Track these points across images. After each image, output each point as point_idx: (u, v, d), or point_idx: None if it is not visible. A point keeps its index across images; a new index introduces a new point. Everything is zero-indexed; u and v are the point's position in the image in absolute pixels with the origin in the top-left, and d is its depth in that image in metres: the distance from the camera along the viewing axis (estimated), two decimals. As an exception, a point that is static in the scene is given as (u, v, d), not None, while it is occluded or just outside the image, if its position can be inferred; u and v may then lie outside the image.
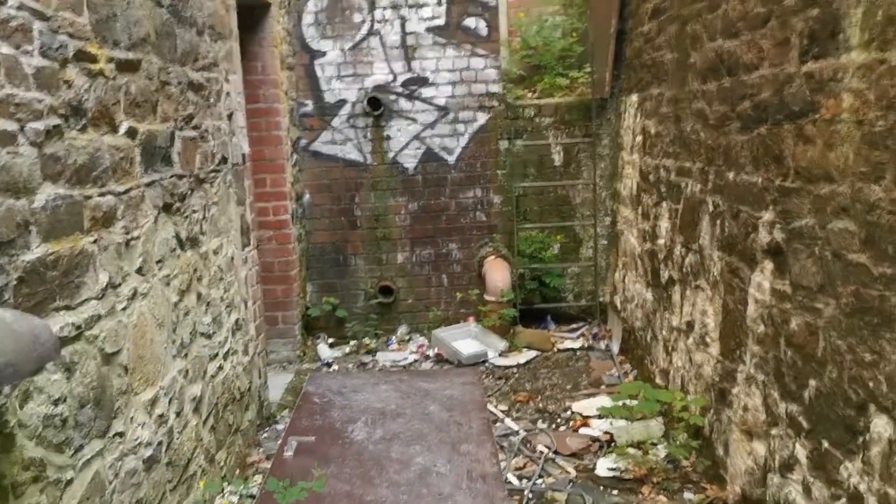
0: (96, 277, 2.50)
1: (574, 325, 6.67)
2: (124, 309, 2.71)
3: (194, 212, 3.57)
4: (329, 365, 6.14)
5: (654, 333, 5.20)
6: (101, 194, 2.55)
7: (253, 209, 4.91)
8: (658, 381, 4.99)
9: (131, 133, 2.82)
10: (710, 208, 3.99)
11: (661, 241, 5.03)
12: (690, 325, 4.30)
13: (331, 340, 6.80)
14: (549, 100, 6.76)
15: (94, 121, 2.51)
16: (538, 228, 6.76)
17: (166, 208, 3.19)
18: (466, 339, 6.33)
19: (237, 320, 4.32)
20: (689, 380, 4.30)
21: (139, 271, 2.86)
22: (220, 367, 3.95)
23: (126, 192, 2.76)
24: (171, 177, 3.27)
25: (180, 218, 3.37)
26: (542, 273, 6.70)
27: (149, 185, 2.99)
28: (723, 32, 3.84)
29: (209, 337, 3.76)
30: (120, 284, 2.69)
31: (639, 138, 5.70)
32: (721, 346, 3.84)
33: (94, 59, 2.51)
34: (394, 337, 6.74)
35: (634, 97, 5.91)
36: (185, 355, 3.40)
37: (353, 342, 6.62)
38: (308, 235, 6.82)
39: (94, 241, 2.50)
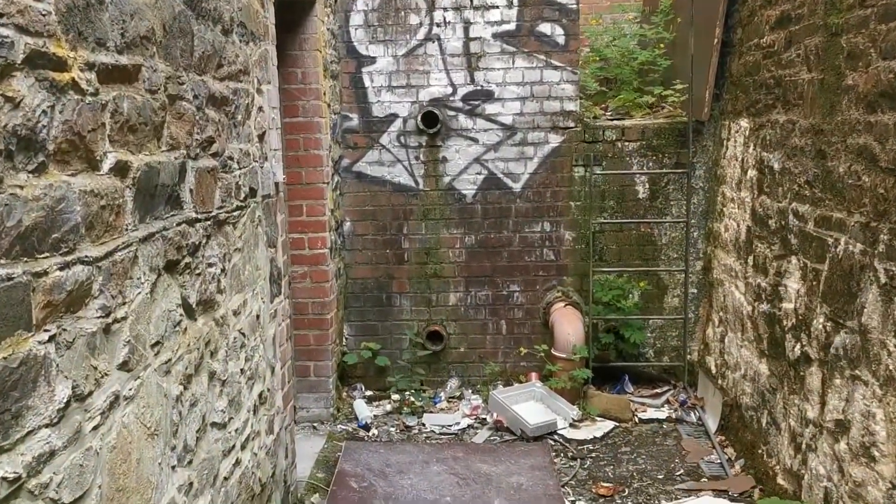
0: (51, 393, 1.70)
1: (657, 390, 5.76)
2: (97, 428, 1.91)
3: (210, 266, 2.77)
4: (367, 428, 5.31)
5: (772, 418, 4.28)
6: (64, 265, 1.75)
7: (286, 247, 4.12)
8: (782, 482, 4.06)
9: (120, 169, 2.02)
10: (883, 279, 3.08)
11: (787, 305, 4.12)
12: (842, 425, 3.38)
13: (369, 393, 5.98)
14: (635, 121, 5.88)
15: (58, 156, 1.72)
16: (617, 272, 5.88)
17: (170, 268, 2.39)
18: (530, 403, 5.46)
19: (261, 393, 3.51)
20: (841, 497, 3.38)
21: (124, 366, 2.06)
22: (237, 462, 3.13)
23: (107, 255, 1.96)
24: (180, 224, 2.47)
25: (190, 277, 2.57)
26: (620, 325, 5.81)
27: (145, 239, 2.19)
28: (913, 48, 2.95)
29: (223, 427, 2.95)
30: (91, 393, 1.89)
31: (752, 173, 4.80)
32: (900, 466, 2.93)
33: (61, 66, 1.71)
34: (442, 393, 5.90)
35: (744, 123, 5.01)
36: (190, 462, 2.59)
37: (395, 396, 5.78)
38: (347, 269, 6.02)
39: (50, 339, 1.70)
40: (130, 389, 2.11)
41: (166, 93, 2.32)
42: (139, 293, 2.16)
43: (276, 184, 3.82)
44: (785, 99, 4.30)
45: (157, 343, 2.29)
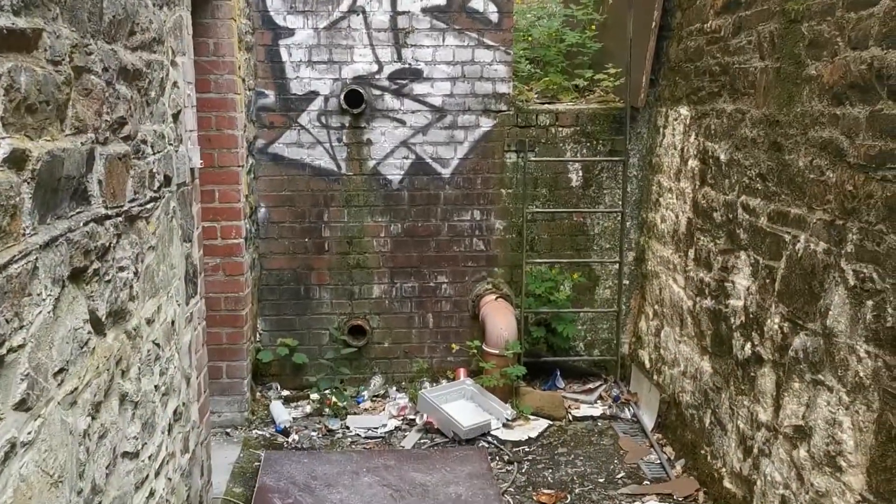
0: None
1: (589, 385, 5.64)
2: (-14, 490, 1.52)
3: (121, 270, 2.36)
4: (286, 433, 4.94)
5: (717, 418, 4.20)
6: (-56, 289, 1.35)
7: (200, 241, 3.70)
8: (729, 486, 3.99)
9: (16, 160, 1.62)
10: (851, 281, 2.99)
11: (735, 303, 4.03)
12: (803, 431, 3.30)
13: (286, 393, 5.60)
14: (569, 106, 5.70)
15: (-67, 145, 1.31)
16: (549, 263, 5.71)
17: (76, 277, 1.99)
18: (460, 402, 5.23)
19: (176, 409, 3.11)
20: (800, 506, 3.31)
21: (21, 405, 1.67)
22: (151, 493, 2.74)
23: (0, 270, 1.56)
24: (88, 222, 2.06)
25: (99, 286, 2.16)
26: (551, 318, 5.65)
27: (46, 245, 1.79)
28: (886, 38, 2.84)
29: (136, 456, 2.56)
30: (-21, 447, 1.50)
31: (693, 163, 4.70)
32: (869, 478, 2.84)
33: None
34: (366, 392, 5.59)
35: (684, 110, 4.90)
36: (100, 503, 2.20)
37: (314, 396, 5.41)
38: (262, 260, 5.60)
39: (-76, 387, 1.31)
40: (30, 433, 1.71)
41: (72, 64, 1.90)
42: (40, 313, 1.76)
43: (192, 170, 3.40)
44: (733, 87, 4.18)
45: (60, 370, 1.89)
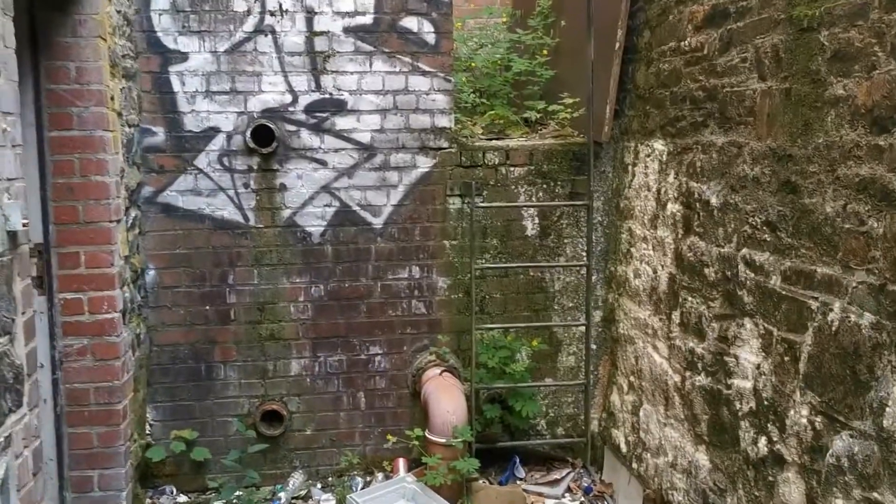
0: None
1: (554, 474, 4.78)
2: None
3: None
4: (178, 560, 3.96)
5: (723, 529, 3.40)
6: None
7: (31, 329, 2.76)
8: None
9: None
10: (922, 369, 2.23)
11: (741, 383, 3.26)
12: (855, 567, 2.51)
13: (182, 500, 4.61)
14: (522, 142, 4.94)
15: None
16: (503, 328, 4.89)
17: None
18: (400, 505, 4.33)
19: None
20: None
21: None
22: None
23: None
24: None
25: None
26: (507, 394, 4.81)
27: None
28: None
29: None
30: None
31: (674, 207, 3.97)
32: None
33: None
34: (283, 494, 4.62)
35: (659, 145, 4.19)
36: None
37: (223, 492, 4.44)
38: (151, 333, 4.64)
39: None
40: None
41: None
42: None
43: (12, 233, 2.48)
44: (723, 115, 3.47)
45: None
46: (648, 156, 4.33)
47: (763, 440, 3.07)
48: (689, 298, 3.76)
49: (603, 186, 4.91)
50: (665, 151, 4.11)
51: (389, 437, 4.59)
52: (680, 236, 3.88)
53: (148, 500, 4.57)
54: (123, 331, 4.01)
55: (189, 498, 4.66)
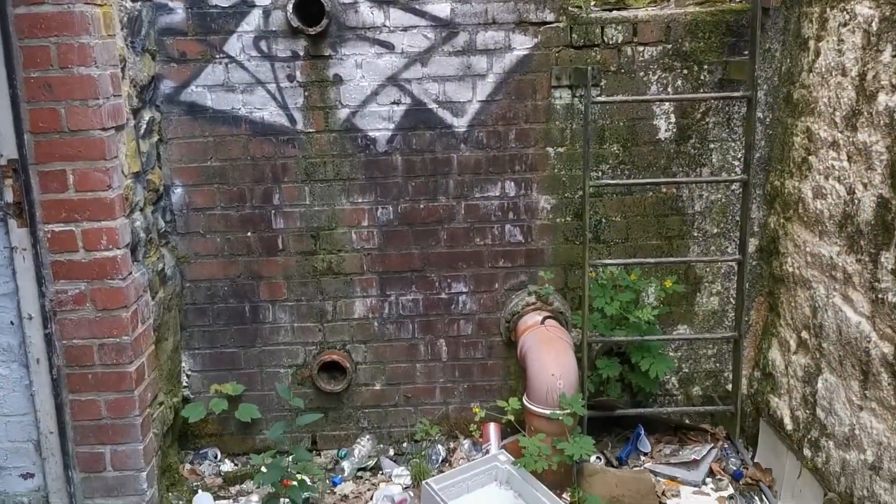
0: None
1: (691, 452, 3.76)
2: None
3: None
4: (212, 555, 3.23)
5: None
6: None
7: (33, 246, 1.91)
8: None
9: None
10: None
11: None
12: None
13: (225, 468, 3.88)
14: (654, 12, 3.72)
15: None
16: (626, 264, 3.82)
17: None
18: (490, 490, 3.43)
19: None
20: None
21: None
22: None
23: None
24: None
25: None
26: (630, 348, 3.79)
27: None
28: None
29: None
30: None
31: (888, 100, 2.74)
32: None
33: None
34: (346, 463, 3.83)
35: (864, 7, 2.93)
36: None
37: (253, 498, 3.66)
38: (182, 267, 3.81)
39: None
40: None
41: None
42: None
43: None
44: None
45: None
46: (844, 25, 3.07)
47: None
48: (915, 235, 2.60)
49: (766, 71, 3.68)
50: (875, 17, 2.85)
51: (476, 409, 3.64)
52: (900, 142, 2.69)
53: (187, 466, 3.86)
54: (133, 271, 3.18)
55: (236, 465, 3.93)
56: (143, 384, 3.26)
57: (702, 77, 3.69)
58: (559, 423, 3.35)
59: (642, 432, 3.84)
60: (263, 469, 3.36)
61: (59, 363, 3.10)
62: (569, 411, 3.34)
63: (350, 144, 3.72)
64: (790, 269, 3.52)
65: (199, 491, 3.60)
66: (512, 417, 3.45)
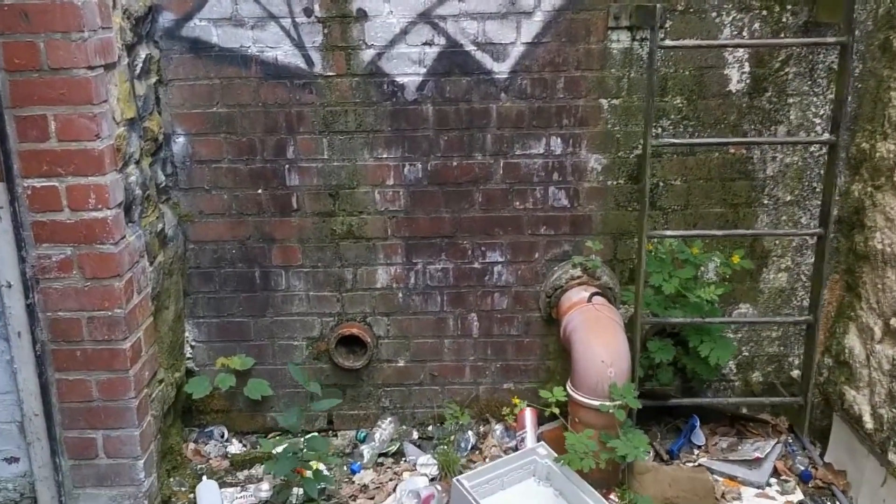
0: None
1: (752, 448, 3.36)
2: None
3: None
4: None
5: None
6: None
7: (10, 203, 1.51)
8: None
9: None
10: None
11: None
12: None
13: (232, 449, 3.54)
14: (732, -60, 3.22)
15: None
16: (688, 236, 3.38)
17: None
18: (528, 486, 3.07)
19: None
20: None
21: None
22: None
23: None
24: None
25: None
26: (686, 331, 3.38)
27: None
28: None
29: None
30: None
31: None
32: None
33: None
34: (366, 449, 3.47)
35: None
36: None
37: (265, 486, 3.31)
38: (184, 226, 3.42)
39: None
40: None
41: None
42: None
43: None
44: None
45: None
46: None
47: None
48: None
49: (859, 14, 3.18)
50: None
51: (516, 400, 3.25)
52: None
53: (191, 446, 3.53)
54: (127, 234, 2.78)
55: (244, 445, 3.59)
56: (140, 362, 2.90)
57: (783, 19, 3.20)
58: (609, 415, 2.96)
59: (697, 424, 3.44)
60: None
61: (44, 338, 2.73)
62: (620, 402, 2.95)
63: (375, 91, 3.28)
64: (878, 246, 3.07)
65: (204, 477, 3.25)
66: (557, 411, 3.05)
